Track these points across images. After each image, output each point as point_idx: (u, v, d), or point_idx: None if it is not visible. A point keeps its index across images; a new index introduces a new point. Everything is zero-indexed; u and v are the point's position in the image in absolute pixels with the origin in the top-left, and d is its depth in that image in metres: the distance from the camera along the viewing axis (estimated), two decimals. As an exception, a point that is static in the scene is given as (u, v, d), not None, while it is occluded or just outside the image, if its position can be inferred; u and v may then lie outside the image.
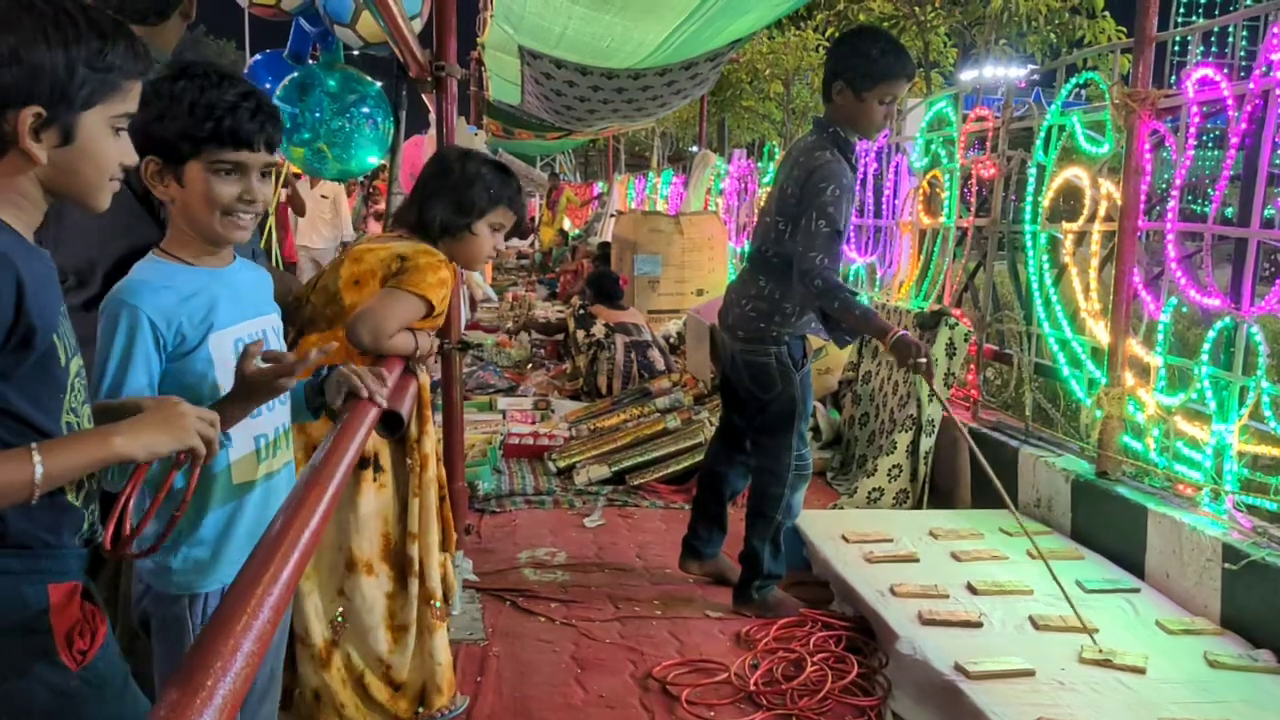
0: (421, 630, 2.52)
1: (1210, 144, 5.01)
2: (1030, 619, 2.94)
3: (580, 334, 6.89)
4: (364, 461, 2.41)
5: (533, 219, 16.34)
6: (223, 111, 1.56)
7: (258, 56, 3.94)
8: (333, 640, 2.42)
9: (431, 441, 2.57)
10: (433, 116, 5.91)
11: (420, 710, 2.52)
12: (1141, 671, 2.65)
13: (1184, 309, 3.49)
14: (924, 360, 3.00)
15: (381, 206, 5.35)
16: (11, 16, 1.16)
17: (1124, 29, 10.45)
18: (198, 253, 1.64)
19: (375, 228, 5.53)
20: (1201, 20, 3.74)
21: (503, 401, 6.32)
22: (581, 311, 7.20)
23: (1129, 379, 3.58)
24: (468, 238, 2.48)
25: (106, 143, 1.26)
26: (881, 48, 3.16)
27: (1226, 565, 2.92)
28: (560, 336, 8.01)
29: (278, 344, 1.74)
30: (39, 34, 1.16)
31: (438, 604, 2.55)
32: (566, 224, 18.21)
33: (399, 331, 2.30)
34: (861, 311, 3.10)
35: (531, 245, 16.61)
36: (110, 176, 1.29)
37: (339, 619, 2.43)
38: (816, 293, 3.08)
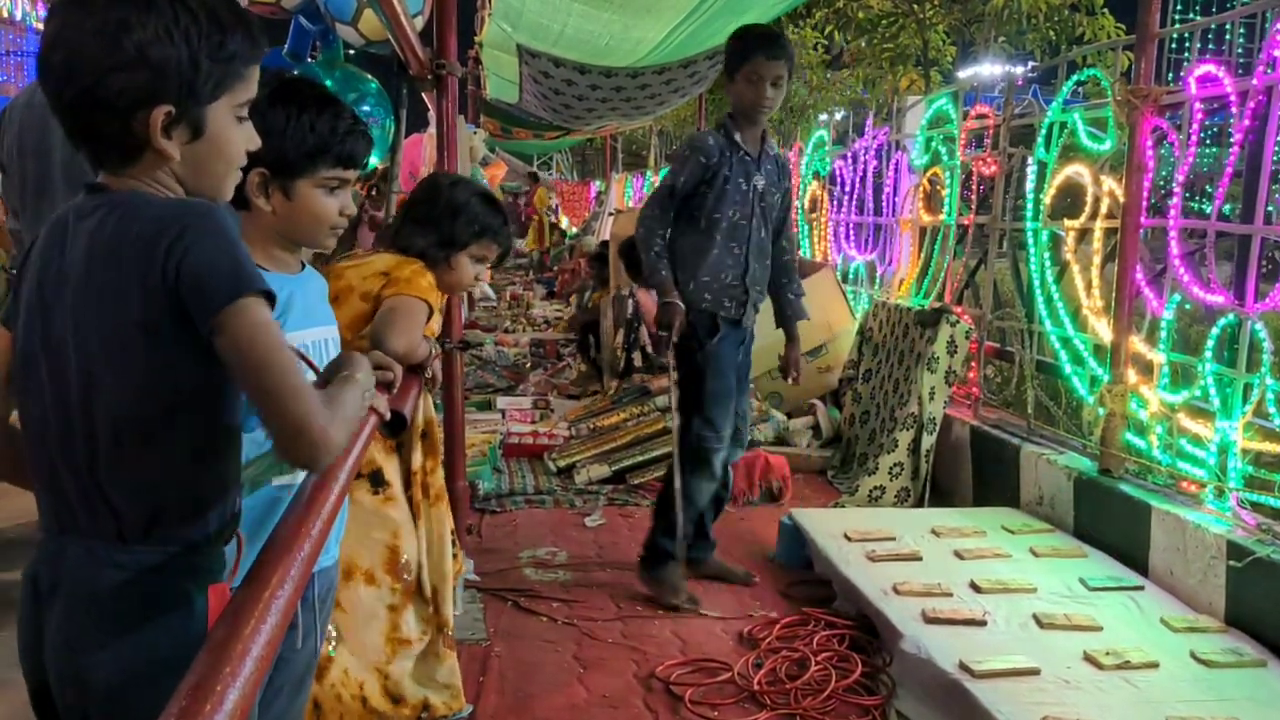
0: (430, 655, 2.51)
1: (1207, 140, 5.00)
2: (1034, 617, 2.93)
3: (619, 339, 6.28)
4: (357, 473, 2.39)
5: (532, 214, 16.38)
6: (343, 134, 1.67)
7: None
8: (325, 653, 2.39)
9: (441, 475, 2.57)
10: (432, 115, 5.89)
11: (423, 716, 2.51)
12: (1147, 669, 2.64)
13: (1186, 306, 3.48)
14: (665, 335, 3.32)
15: (379, 213, 5.28)
16: (134, 17, 1.16)
17: (1122, 26, 10.44)
18: (273, 259, 1.68)
19: (365, 236, 5.47)
20: (1199, 17, 3.73)
21: (502, 401, 6.31)
22: (634, 324, 6.26)
23: (1132, 376, 3.57)
24: (446, 267, 2.44)
25: (233, 132, 1.27)
26: (741, 33, 3.49)
27: (1231, 563, 2.91)
28: (574, 339, 7.84)
29: (336, 353, 1.75)
30: (162, 32, 1.16)
31: (449, 630, 2.56)
32: (565, 222, 18.20)
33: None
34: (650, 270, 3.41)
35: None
36: (236, 165, 1.30)
37: (333, 631, 2.40)
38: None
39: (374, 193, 6.59)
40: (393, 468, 2.46)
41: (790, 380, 3.67)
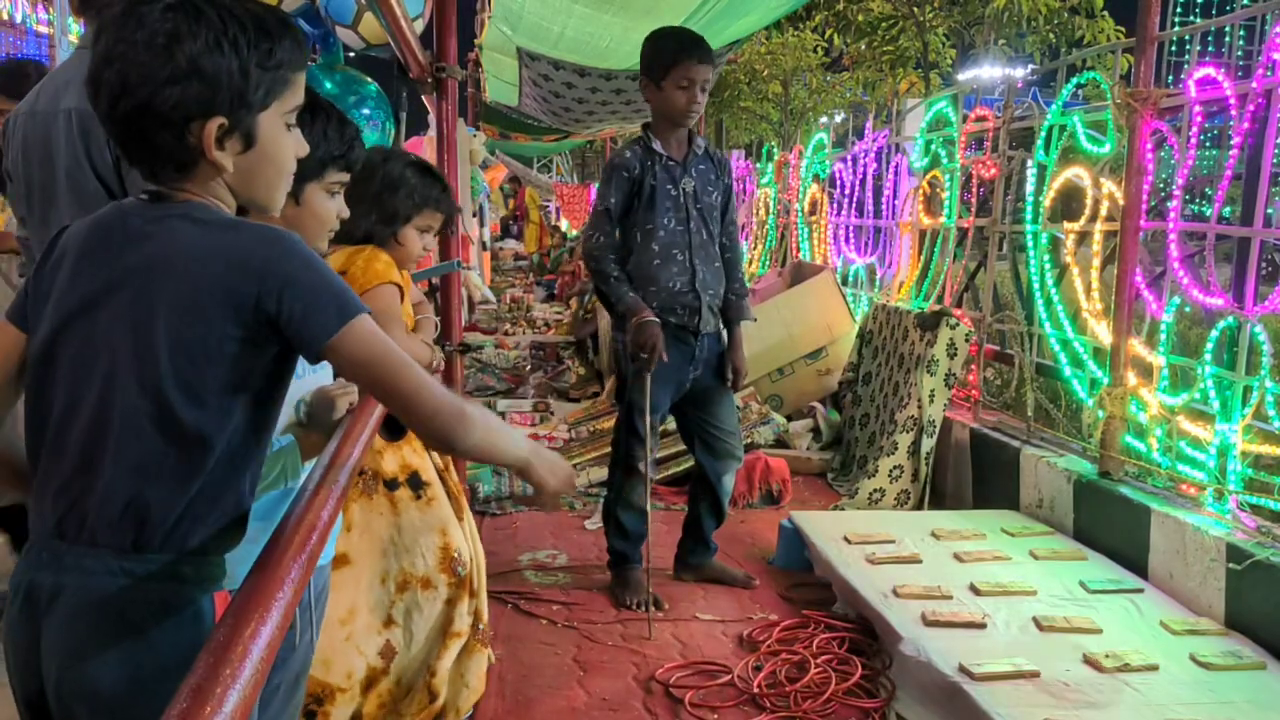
0: (464, 651, 2.51)
1: (1207, 143, 5.01)
2: (1034, 620, 2.93)
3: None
4: (393, 483, 2.39)
5: (522, 216, 16.41)
6: (350, 140, 1.73)
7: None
8: (384, 668, 2.37)
9: (454, 473, 2.58)
10: (432, 118, 5.89)
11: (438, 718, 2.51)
12: (1146, 671, 2.64)
13: (1185, 308, 3.48)
14: (645, 356, 3.24)
15: None
16: (184, 29, 1.15)
17: (1122, 29, 10.44)
18: None
19: None
20: (1199, 20, 3.73)
21: (502, 403, 6.30)
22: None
23: (1131, 379, 3.57)
24: (395, 244, 2.38)
25: (283, 140, 1.27)
26: (668, 35, 3.40)
27: (1231, 565, 2.91)
28: (573, 343, 7.83)
29: None
30: (213, 42, 1.16)
31: (482, 625, 2.56)
32: (565, 225, 18.21)
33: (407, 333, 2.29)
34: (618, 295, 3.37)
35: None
36: (287, 173, 1.31)
37: (389, 646, 2.39)
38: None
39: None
40: (429, 468, 2.47)
41: (731, 385, 3.57)
